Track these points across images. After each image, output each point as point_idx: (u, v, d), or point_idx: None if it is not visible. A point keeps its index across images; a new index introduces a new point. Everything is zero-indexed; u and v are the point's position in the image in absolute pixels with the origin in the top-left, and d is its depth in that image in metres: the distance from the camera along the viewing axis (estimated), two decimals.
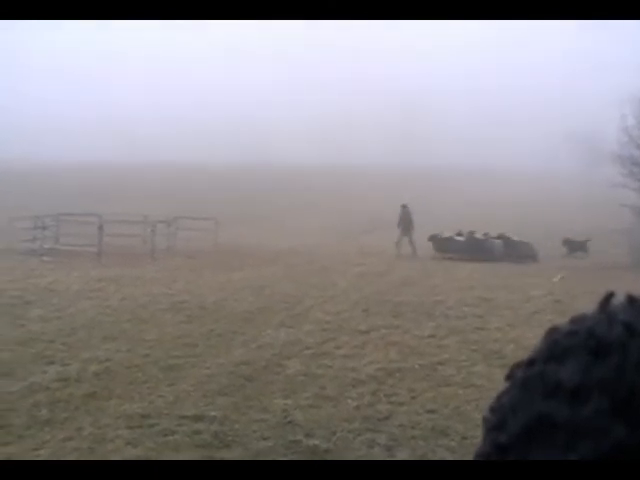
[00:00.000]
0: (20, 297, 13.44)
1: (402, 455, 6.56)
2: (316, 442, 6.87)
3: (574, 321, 0.48)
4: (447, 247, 22.22)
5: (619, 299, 0.49)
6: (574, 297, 14.19)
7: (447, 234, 22.74)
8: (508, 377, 0.49)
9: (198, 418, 7.39)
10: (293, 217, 32.44)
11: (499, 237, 22.62)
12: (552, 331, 0.49)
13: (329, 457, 6.52)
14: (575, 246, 22.47)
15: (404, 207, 23.34)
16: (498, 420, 0.47)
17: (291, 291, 14.59)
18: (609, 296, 0.49)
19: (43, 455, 6.41)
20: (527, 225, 28.35)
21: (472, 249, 21.62)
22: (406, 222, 22.69)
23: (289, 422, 7.39)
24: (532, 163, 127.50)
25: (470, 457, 0.48)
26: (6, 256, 19.03)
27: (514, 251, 21.74)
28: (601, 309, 0.48)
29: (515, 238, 22.60)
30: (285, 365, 9.41)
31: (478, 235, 22.61)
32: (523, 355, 0.47)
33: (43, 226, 21.37)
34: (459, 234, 22.71)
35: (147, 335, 10.82)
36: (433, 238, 22.54)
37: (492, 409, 0.48)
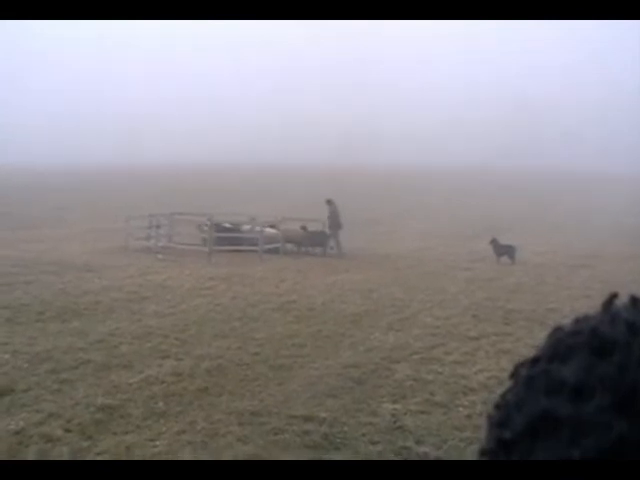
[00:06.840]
0: (136, 293, 14.01)
1: None
2: (426, 449, 6.73)
3: (578, 321, 0.49)
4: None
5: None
6: None
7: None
8: (512, 375, 0.50)
9: (308, 419, 7.41)
10: (400, 220, 32.19)
11: (272, 226, 21.80)
12: (556, 331, 0.50)
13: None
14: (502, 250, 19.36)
15: (330, 203, 21.75)
16: (502, 417, 0.48)
17: (399, 295, 14.43)
18: (612, 297, 0.50)
19: (160, 446, 6.62)
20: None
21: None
22: (334, 219, 21.51)
23: (399, 427, 7.28)
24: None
25: None
26: (124, 253, 19.93)
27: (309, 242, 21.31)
28: (604, 309, 0.49)
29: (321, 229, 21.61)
30: (394, 369, 9.29)
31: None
32: None
33: (157, 225, 22.20)
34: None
35: (257, 334, 10.99)
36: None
37: (497, 406, 0.49)
